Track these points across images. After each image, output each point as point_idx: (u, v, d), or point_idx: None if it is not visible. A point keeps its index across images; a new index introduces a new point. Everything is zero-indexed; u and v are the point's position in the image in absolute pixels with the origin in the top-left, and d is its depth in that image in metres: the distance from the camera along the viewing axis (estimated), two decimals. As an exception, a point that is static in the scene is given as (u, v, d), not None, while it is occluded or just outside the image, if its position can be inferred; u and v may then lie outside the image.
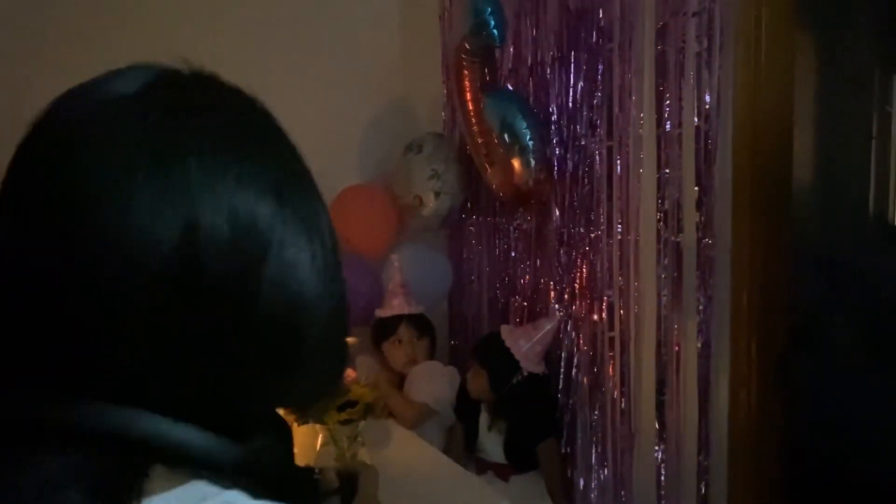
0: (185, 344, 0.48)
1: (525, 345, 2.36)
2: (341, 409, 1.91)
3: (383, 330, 2.63)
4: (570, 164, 2.30)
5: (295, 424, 1.96)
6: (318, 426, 1.94)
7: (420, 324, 2.59)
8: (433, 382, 2.40)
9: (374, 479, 1.01)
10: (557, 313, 2.41)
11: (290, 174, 0.55)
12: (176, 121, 0.49)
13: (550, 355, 2.42)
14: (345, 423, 1.89)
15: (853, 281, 1.76)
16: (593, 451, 2.27)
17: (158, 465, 0.47)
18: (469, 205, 2.88)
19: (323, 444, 1.95)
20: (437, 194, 2.69)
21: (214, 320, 0.48)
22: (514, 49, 2.53)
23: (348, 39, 3.14)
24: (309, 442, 2.02)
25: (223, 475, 0.49)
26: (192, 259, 0.46)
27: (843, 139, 1.86)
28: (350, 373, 2.27)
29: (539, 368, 2.38)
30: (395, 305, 2.57)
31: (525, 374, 2.35)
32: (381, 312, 2.62)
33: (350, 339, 1.96)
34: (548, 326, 2.39)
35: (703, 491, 1.91)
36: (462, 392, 2.50)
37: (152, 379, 0.48)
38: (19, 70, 2.60)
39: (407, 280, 2.62)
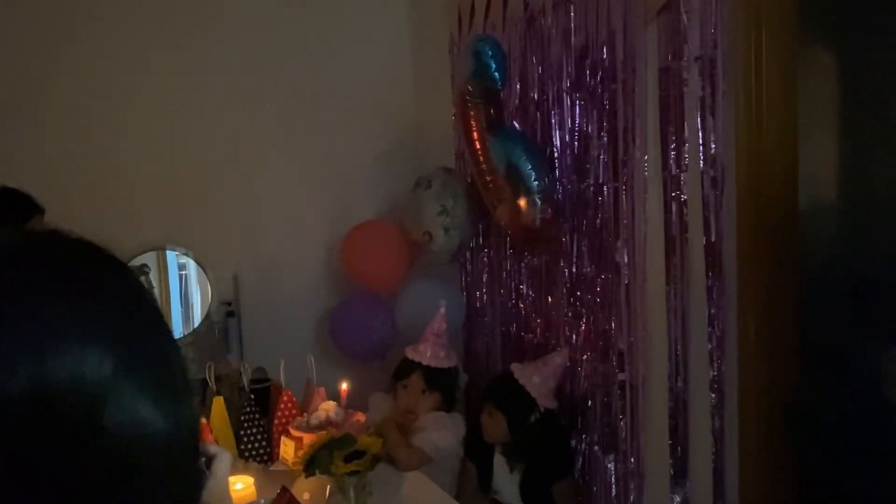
0: (34, 476, 0.50)
1: (538, 381, 2.35)
2: (349, 459, 1.91)
3: (400, 370, 2.62)
4: (576, 204, 2.28)
5: (303, 476, 1.98)
6: (326, 477, 1.94)
7: (432, 378, 2.52)
8: (436, 431, 2.39)
9: (228, 463, 1.04)
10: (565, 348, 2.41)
11: (133, 324, 0.58)
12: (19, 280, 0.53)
13: (562, 392, 2.41)
14: (352, 474, 1.89)
15: (865, 324, 1.72)
16: (607, 492, 2.25)
17: None
18: (481, 239, 2.88)
19: (331, 494, 1.95)
20: (446, 230, 2.69)
21: (60, 447, 0.51)
22: (520, 86, 2.52)
23: (361, 76, 3.17)
24: (318, 491, 2.03)
25: None
26: (39, 404, 0.50)
27: (848, 182, 1.83)
28: (360, 417, 2.27)
29: (553, 404, 2.37)
30: (420, 351, 2.55)
31: (542, 410, 2.33)
32: (408, 351, 2.60)
33: (343, 384, 1.95)
34: (558, 360, 2.38)
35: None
36: (473, 433, 2.48)
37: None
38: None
39: (444, 330, 2.56)
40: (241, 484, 2.03)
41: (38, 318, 0.52)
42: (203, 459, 1.02)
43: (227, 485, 1.04)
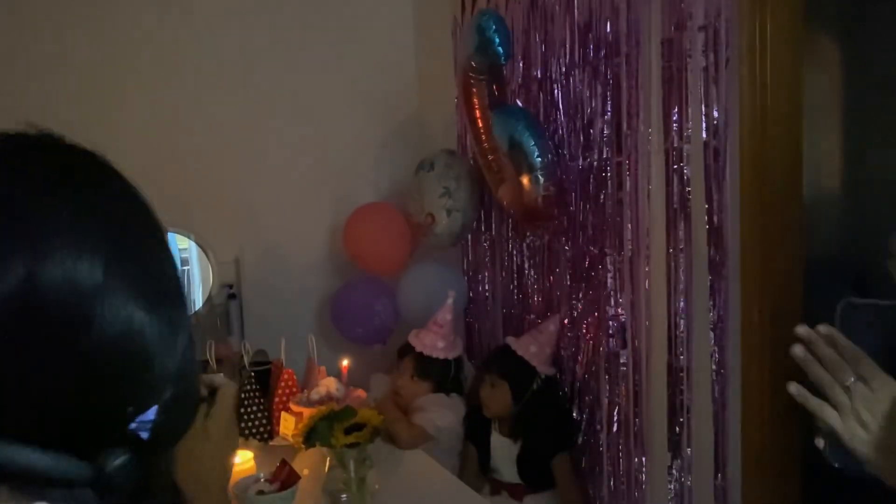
0: (26, 371, 0.51)
1: (535, 349, 2.37)
2: (348, 432, 1.90)
3: (400, 350, 2.62)
4: (579, 180, 2.27)
5: (303, 447, 1.97)
6: (326, 449, 1.93)
7: (422, 366, 2.51)
8: (435, 410, 2.38)
9: (233, 393, 1.04)
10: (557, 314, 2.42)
11: (127, 234, 0.58)
12: (20, 184, 0.53)
13: (562, 366, 2.41)
14: (351, 446, 1.88)
15: (866, 293, 1.71)
16: (607, 469, 2.24)
17: (4, 487, 0.50)
18: (483, 221, 2.86)
19: (331, 467, 1.94)
20: (448, 212, 2.68)
21: (51, 348, 0.51)
22: (523, 64, 2.51)
23: (364, 58, 3.16)
24: (318, 465, 2.02)
25: (73, 494, 0.52)
26: (31, 298, 0.50)
27: (854, 150, 1.81)
28: (361, 393, 2.26)
29: (552, 370, 2.40)
30: (420, 338, 2.54)
31: (542, 377, 2.36)
32: (410, 335, 2.59)
33: (344, 360, 1.93)
34: (552, 328, 2.41)
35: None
36: (472, 415, 2.48)
37: None
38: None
39: (448, 322, 2.53)
40: (241, 458, 2.02)
41: (31, 220, 0.52)
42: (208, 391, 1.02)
43: (231, 417, 1.03)
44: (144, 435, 0.57)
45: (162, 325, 0.56)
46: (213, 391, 1.01)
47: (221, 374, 1.25)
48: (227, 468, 1.04)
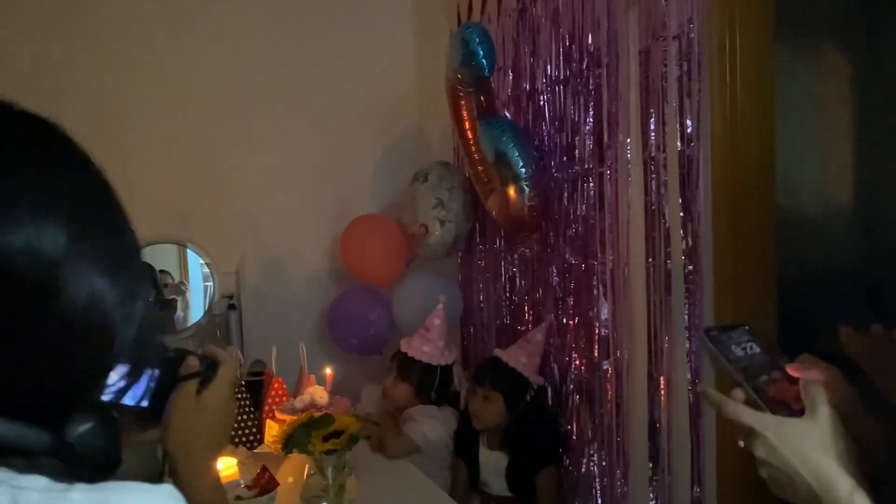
0: None
1: (525, 360, 2.37)
2: (327, 439, 1.91)
3: (392, 357, 2.64)
4: (564, 191, 2.28)
5: (282, 453, 1.99)
6: (305, 456, 1.95)
7: (403, 367, 2.53)
8: (425, 421, 2.39)
9: (234, 367, 1.03)
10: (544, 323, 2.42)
11: (89, 202, 0.58)
12: None
13: (546, 377, 2.41)
14: (329, 452, 1.90)
15: (839, 301, 1.69)
16: (590, 481, 2.23)
17: None
18: (477, 232, 2.88)
19: (310, 475, 1.96)
20: (441, 223, 2.70)
21: (15, 317, 0.51)
22: (513, 75, 2.53)
23: (363, 70, 3.20)
24: (297, 471, 2.04)
25: (34, 462, 0.52)
26: None
27: (825, 158, 1.80)
28: (345, 402, 2.28)
29: (541, 380, 2.40)
30: (409, 341, 2.56)
31: (535, 388, 2.35)
32: (403, 340, 2.62)
33: (327, 370, 1.94)
34: (539, 337, 2.41)
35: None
36: (461, 429, 2.47)
37: None
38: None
39: (436, 326, 2.55)
40: (224, 464, 2.04)
41: None
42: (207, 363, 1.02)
43: (229, 391, 1.03)
44: (106, 399, 0.58)
45: (122, 292, 0.57)
46: (214, 364, 1.01)
47: (230, 348, 1.23)
48: (219, 441, 1.04)
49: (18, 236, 0.51)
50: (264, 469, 1.92)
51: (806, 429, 0.86)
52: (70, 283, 0.53)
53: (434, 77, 3.12)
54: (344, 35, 3.17)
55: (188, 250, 3.05)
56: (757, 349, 0.95)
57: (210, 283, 3.06)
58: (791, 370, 0.92)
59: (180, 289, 3.11)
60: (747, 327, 0.98)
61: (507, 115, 2.51)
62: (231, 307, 3.06)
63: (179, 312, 3.10)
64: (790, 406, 0.89)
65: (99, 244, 0.56)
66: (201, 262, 3.05)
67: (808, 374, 0.91)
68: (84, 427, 0.56)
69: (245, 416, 2.33)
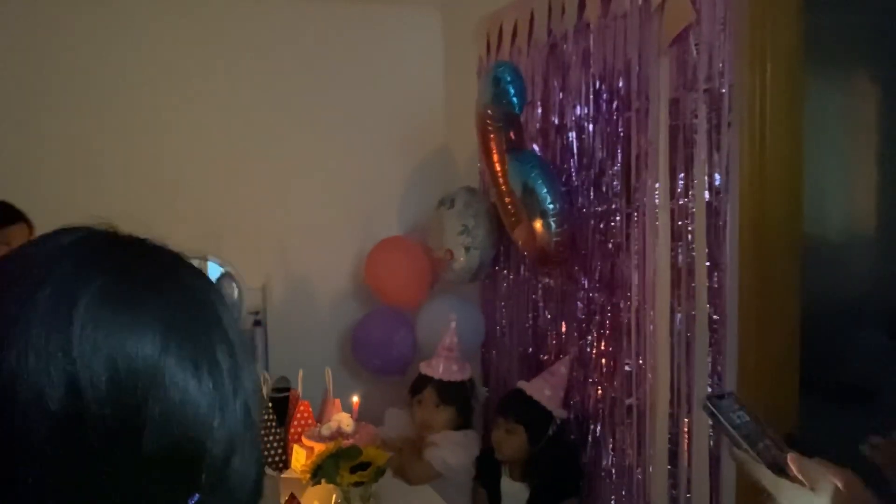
0: (81, 487, 0.51)
1: (550, 393, 2.39)
2: (354, 470, 1.97)
3: (415, 386, 2.67)
4: (591, 227, 2.31)
5: (311, 483, 2.04)
6: (332, 486, 2.00)
7: (445, 392, 2.57)
8: (447, 447, 2.43)
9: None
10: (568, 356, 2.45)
11: (177, 308, 0.57)
12: (76, 276, 0.54)
13: (570, 412, 2.44)
14: (357, 484, 1.95)
15: (864, 349, 1.72)
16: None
17: None
18: (501, 259, 2.92)
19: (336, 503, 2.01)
20: (467, 249, 2.74)
21: (105, 462, 0.51)
22: (542, 109, 2.56)
23: (393, 95, 3.25)
24: (327, 499, 2.08)
25: None
26: (78, 411, 0.50)
27: (854, 213, 1.83)
28: (371, 429, 2.33)
29: (565, 413, 2.41)
30: (433, 366, 2.60)
31: (559, 421, 2.37)
32: (421, 366, 2.66)
33: (355, 397, 1.99)
34: (563, 370, 2.43)
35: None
36: (483, 457, 2.51)
37: None
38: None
39: (456, 344, 2.61)
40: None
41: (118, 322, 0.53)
42: None
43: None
44: None
45: (214, 399, 0.56)
46: None
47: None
48: None
49: (100, 357, 0.51)
50: (293, 497, 1.97)
51: (816, 501, 0.91)
52: (160, 408, 0.53)
53: (462, 101, 3.16)
54: (374, 59, 3.22)
55: (209, 263, 3.09)
56: (746, 417, 1.00)
57: (235, 299, 3.12)
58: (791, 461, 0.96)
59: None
60: (734, 396, 1.03)
61: (536, 147, 2.55)
62: (257, 323, 3.12)
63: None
64: (787, 473, 0.94)
65: (191, 360, 0.56)
66: (222, 271, 3.09)
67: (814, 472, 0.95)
68: None
69: (271, 437, 2.38)
